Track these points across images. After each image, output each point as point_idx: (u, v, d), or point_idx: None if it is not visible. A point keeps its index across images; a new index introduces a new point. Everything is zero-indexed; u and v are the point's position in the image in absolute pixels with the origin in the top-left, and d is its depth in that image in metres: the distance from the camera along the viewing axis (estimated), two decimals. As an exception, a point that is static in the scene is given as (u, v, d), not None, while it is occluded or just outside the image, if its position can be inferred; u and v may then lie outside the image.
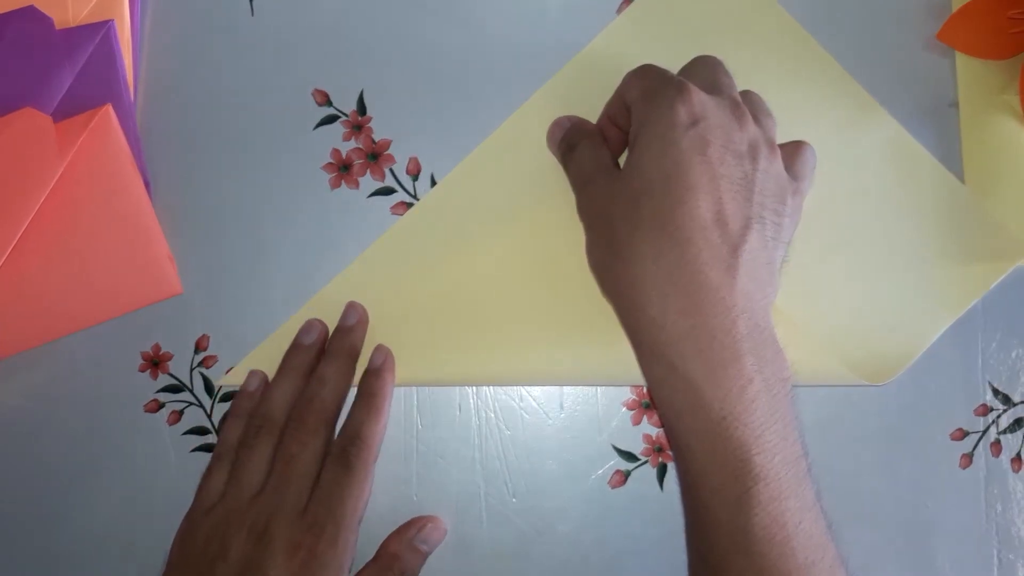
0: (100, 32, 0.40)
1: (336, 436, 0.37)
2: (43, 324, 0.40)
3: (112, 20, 0.40)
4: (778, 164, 0.34)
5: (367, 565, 0.37)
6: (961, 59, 0.40)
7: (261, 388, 0.39)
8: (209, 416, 0.40)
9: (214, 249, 0.41)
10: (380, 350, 0.38)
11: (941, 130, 0.40)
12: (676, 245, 0.31)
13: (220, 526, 0.34)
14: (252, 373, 0.39)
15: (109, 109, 0.39)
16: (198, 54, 0.42)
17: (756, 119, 0.34)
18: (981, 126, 0.40)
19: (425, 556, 0.38)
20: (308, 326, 0.39)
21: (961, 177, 0.40)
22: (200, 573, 0.34)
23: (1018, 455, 0.39)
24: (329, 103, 0.41)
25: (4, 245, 0.38)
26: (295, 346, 0.39)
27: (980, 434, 0.39)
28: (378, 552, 0.38)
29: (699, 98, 0.32)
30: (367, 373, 0.38)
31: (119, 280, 0.40)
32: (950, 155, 0.40)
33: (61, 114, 0.39)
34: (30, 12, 0.40)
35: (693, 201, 0.31)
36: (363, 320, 0.39)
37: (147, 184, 0.40)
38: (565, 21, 0.42)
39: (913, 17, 0.41)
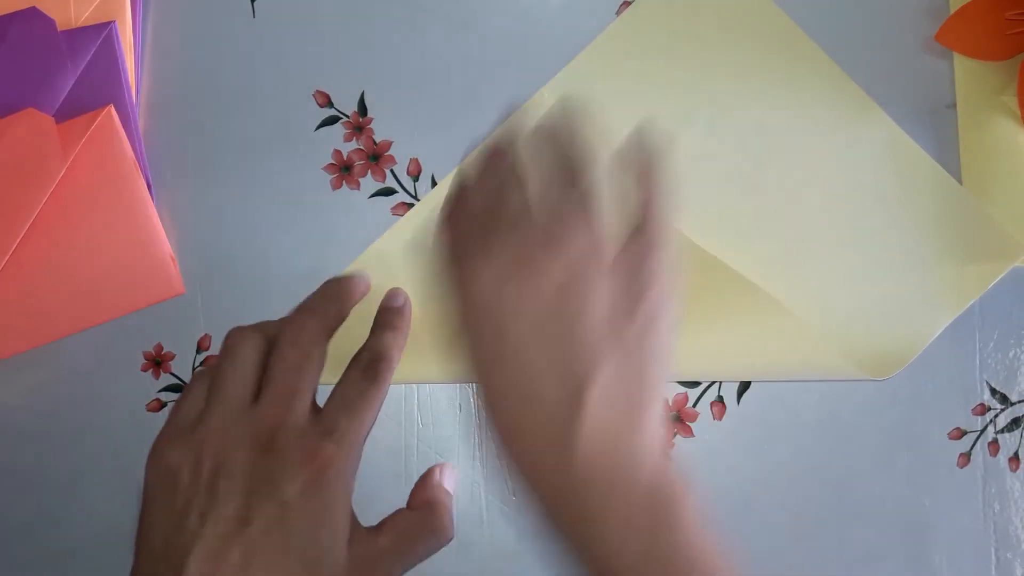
0: (102, 33, 0.40)
1: (357, 352, 0.34)
2: (46, 324, 0.40)
3: (114, 21, 0.40)
4: (606, 284, 0.29)
5: (400, 513, 0.34)
6: (959, 60, 0.40)
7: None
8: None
9: (216, 249, 0.41)
10: (399, 292, 0.36)
11: (939, 131, 0.40)
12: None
13: (212, 441, 0.30)
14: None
15: (111, 110, 0.39)
16: (200, 56, 0.42)
17: (586, 224, 0.30)
18: (979, 127, 0.40)
19: (452, 499, 0.35)
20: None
21: (959, 178, 0.40)
22: (193, 495, 0.30)
23: (1015, 454, 0.39)
24: (330, 104, 0.41)
25: (7, 245, 0.38)
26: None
27: (978, 433, 0.39)
28: (410, 503, 0.34)
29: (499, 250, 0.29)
30: (386, 310, 0.35)
31: (121, 280, 0.40)
32: (948, 156, 0.40)
33: (63, 115, 0.39)
34: (32, 14, 0.40)
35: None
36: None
37: (149, 185, 0.40)
38: (565, 22, 0.42)
39: (911, 19, 0.41)
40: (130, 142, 0.40)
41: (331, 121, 0.41)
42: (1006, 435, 0.39)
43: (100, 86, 0.40)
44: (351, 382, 0.32)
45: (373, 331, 0.35)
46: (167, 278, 0.40)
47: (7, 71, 0.40)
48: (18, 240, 0.38)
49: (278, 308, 0.40)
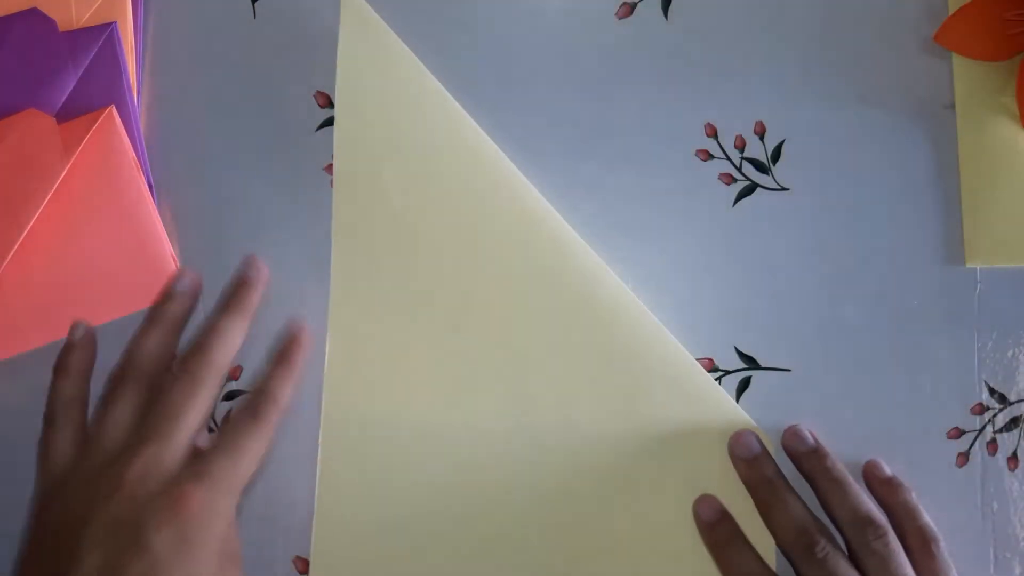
0: (103, 34, 0.40)
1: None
2: (47, 324, 0.40)
3: (115, 22, 0.40)
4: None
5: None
6: (958, 61, 0.40)
7: (89, 339, 0.35)
8: (211, 415, 0.40)
9: (217, 250, 0.41)
10: (296, 321, 0.36)
11: (938, 132, 0.40)
12: None
13: (83, 489, 0.31)
14: (76, 324, 0.35)
15: (112, 111, 0.39)
16: (200, 56, 0.42)
17: None
18: (978, 128, 0.40)
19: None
20: (181, 274, 0.36)
21: (958, 179, 0.40)
22: (62, 549, 0.29)
23: (1014, 454, 0.39)
24: (331, 105, 0.41)
25: (8, 246, 0.38)
26: (167, 295, 0.35)
27: (976, 433, 0.39)
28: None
29: None
30: (285, 341, 0.35)
31: (122, 280, 0.40)
32: (947, 157, 0.40)
33: (65, 116, 0.40)
34: (34, 14, 0.40)
35: None
36: (264, 276, 0.36)
37: (150, 185, 0.41)
38: (564, 23, 0.42)
39: (910, 19, 0.41)
40: (131, 142, 0.40)
41: (332, 122, 0.41)
42: (1004, 435, 0.40)
43: (101, 87, 0.40)
44: (233, 422, 0.32)
45: (267, 365, 0.35)
46: (168, 278, 0.40)
47: (9, 72, 0.40)
48: (20, 240, 0.38)
49: (279, 308, 0.40)
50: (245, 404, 0.33)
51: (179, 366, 0.33)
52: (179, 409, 0.32)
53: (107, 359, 0.40)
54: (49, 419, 0.34)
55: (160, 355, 0.34)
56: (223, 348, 0.34)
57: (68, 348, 0.35)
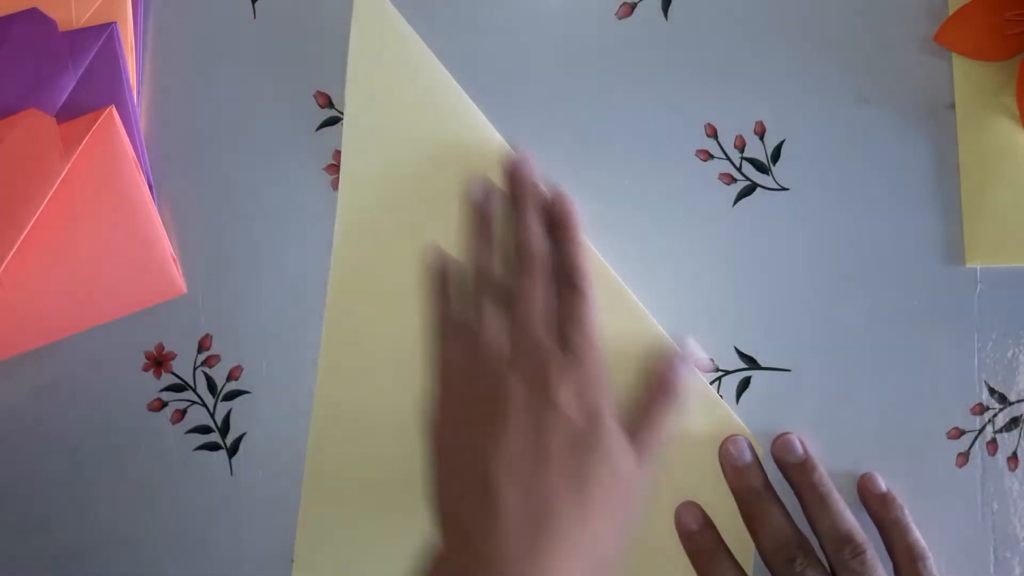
0: (103, 34, 0.40)
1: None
2: (47, 324, 0.40)
3: (115, 22, 0.40)
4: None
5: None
6: (958, 61, 0.40)
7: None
8: (212, 415, 0.40)
9: (217, 249, 0.41)
10: (555, 190, 0.39)
11: (938, 132, 0.40)
12: None
13: (490, 380, 0.34)
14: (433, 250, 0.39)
15: (112, 111, 0.39)
16: (200, 56, 0.42)
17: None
18: (978, 128, 0.40)
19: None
20: (475, 185, 0.38)
21: (958, 179, 0.40)
22: (487, 423, 0.33)
23: (1014, 454, 0.39)
24: (331, 105, 0.41)
25: (8, 246, 0.38)
26: (475, 210, 0.38)
27: (976, 433, 0.40)
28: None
29: None
30: (551, 210, 0.38)
31: (123, 280, 0.40)
32: (947, 157, 0.40)
33: (65, 116, 0.40)
34: (34, 14, 0.40)
35: None
36: (531, 163, 0.39)
37: (150, 185, 0.41)
38: (565, 22, 0.42)
39: (910, 19, 0.41)
40: (131, 142, 0.40)
41: (332, 122, 0.41)
42: (1004, 435, 0.40)
43: (101, 87, 0.40)
44: (565, 302, 0.36)
45: (559, 243, 0.38)
46: (168, 278, 0.40)
47: (8, 72, 0.40)
48: (20, 241, 0.38)
49: (280, 308, 0.40)
50: (565, 283, 0.36)
51: (521, 271, 0.36)
52: (533, 305, 0.36)
53: (108, 359, 0.41)
54: (440, 332, 0.37)
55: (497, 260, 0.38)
56: (541, 241, 0.37)
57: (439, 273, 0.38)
